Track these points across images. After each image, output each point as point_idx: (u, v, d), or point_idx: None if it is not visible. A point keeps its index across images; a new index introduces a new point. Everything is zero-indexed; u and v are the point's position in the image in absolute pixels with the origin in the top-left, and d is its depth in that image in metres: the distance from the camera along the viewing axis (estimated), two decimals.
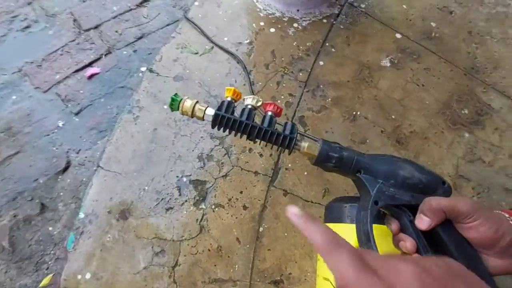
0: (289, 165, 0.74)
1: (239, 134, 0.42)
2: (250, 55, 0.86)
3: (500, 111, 0.84)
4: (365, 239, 0.36)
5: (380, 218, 0.44)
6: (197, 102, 0.43)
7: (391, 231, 0.38)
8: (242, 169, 0.73)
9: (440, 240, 0.36)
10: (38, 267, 0.75)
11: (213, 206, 0.69)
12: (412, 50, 0.90)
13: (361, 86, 0.84)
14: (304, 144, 0.41)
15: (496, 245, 0.34)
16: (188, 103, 0.42)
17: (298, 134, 0.41)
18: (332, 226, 0.50)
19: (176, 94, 0.44)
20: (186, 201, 0.69)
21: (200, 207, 0.69)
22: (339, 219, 0.49)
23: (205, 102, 0.80)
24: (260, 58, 0.86)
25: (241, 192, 0.70)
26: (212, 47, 0.86)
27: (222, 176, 0.72)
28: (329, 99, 0.82)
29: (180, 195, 0.69)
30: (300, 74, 0.85)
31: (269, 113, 0.43)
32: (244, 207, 0.69)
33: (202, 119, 0.43)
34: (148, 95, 0.80)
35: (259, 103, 0.44)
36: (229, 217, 0.68)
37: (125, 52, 0.98)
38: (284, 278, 0.64)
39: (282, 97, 0.81)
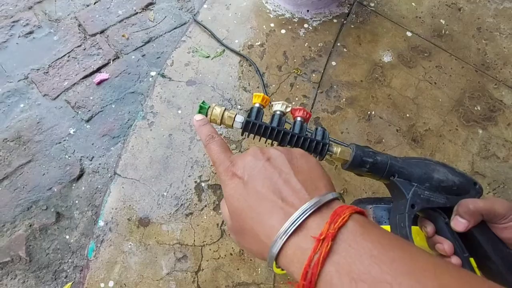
0: None
1: (272, 142, 0.42)
2: (262, 57, 0.86)
3: None
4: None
5: (414, 221, 0.44)
6: (225, 109, 0.43)
7: (427, 233, 0.38)
8: None
9: (476, 241, 0.36)
10: (56, 275, 0.74)
11: None
12: (423, 48, 0.91)
13: (375, 85, 0.84)
14: (337, 150, 0.41)
15: None
16: (217, 111, 0.42)
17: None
18: None
19: (204, 102, 0.43)
20: (205, 206, 0.69)
21: (220, 211, 0.68)
22: None
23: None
24: (272, 60, 0.85)
25: None
26: (224, 50, 0.86)
27: None
28: (343, 100, 0.82)
29: (199, 200, 0.69)
30: (313, 75, 0.84)
31: (299, 118, 0.43)
32: None
33: (231, 126, 0.43)
34: (162, 100, 0.79)
35: (288, 109, 0.44)
36: None
37: (133, 57, 0.97)
38: None
39: (297, 98, 0.81)
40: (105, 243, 0.65)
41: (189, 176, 0.71)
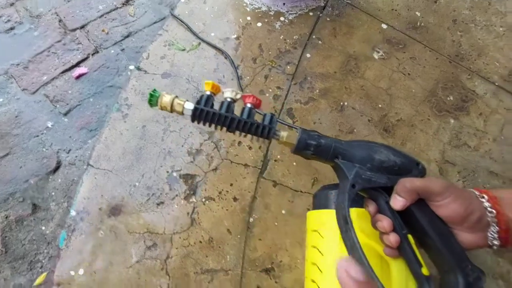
0: (278, 156, 0.74)
1: (221, 128, 0.43)
2: (237, 50, 0.87)
3: (484, 97, 0.85)
4: (343, 222, 0.37)
5: (359, 202, 0.45)
6: (176, 96, 0.44)
7: (369, 213, 0.39)
8: (231, 162, 0.73)
9: (415, 219, 0.37)
10: (32, 266, 0.75)
11: (203, 199, 0.70)
12: (398, 40, 0.91)
13: (348, 77, 0.85)
14: (284, 134, 0.42)
15: (466, 221, 0.35)
16: (166, 98, 0.43)
17: (278, 124, 0.42)
18: (319, 212, 0.51)
19: (154, 90, 0.44)
20: (176, 195, 0.70)
21: (191, 200, 0.69)
22: (325, 206, 0.50)
23: (193, 98, 0.81)
24: (248, 53, 0.86)
25: (231, 185, 0.71)
26: (199, 43, 0.87)
27: (212, 169, 0.72)
28: (317, 91, 0.82)
29: (170, 189, 0.70)
30: (288, 67, 0.85)
31: (248, 105, 0.44)
32: (235, 199, 0.70)
33: (182, 113, 0.43)
34: (136, 93, 0.80)
35: (238, 96, 0.45)
36: (220, 209, 0.69)
37: (112, 51, 0.98)
38: (275, 266, 0.65)
39: (270, 90, 0.82)
40: (76, 232, 0.66)
41: (161, 166, 0.72)
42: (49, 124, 0.87)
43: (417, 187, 0.36)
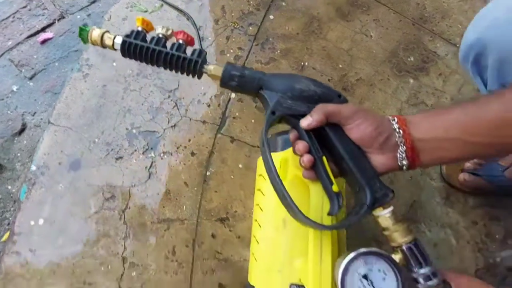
0: (237, 114, 0.76)
1: (151, 62, 0.44)
2: (200, 12, 0.86)
3: (445, 58, 0.86)
4: (261, 144, 0.39)
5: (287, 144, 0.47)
6: (106, 31, 0.44)
7: (290, 140, 0.41)
8: (190, 119, 0.75)
9: (331, 144, 0.39)
10: None
11: (161, 154, 0.71)
12: (362, 2, 0.92)
13: (310, 38, 0.86)
14: (210, 67, 0.43)
15: (376, 141, 0.37)
16: (96, 32, 0.44)
17: (206, 58, 0.43)
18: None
19: (84, 25, 0.45)
20: (135, 150, 0.71)
21: (149, 155, 0.71)
22: (274, 149, 0.51)
23: None
24: (210, 14, 0.86)
25: (189, 140, 0.73)
26: (162, 5, 0.86)
27: (171, 126, 0.74)
28: (278, 51, 0.83)
29: (129, 145, 0.72)
30: (250, 28, 0.85)
31: (180, 41, 0.45)
32: (192, 154, 0.72)
33: (113, 47, 0.44)
34: (98, 54, 0.80)
35: (169, 32, 0.46)
36: (178, 163, 0.71)
37: (78, 17, 0.97)
38: (229, 216, 0.68)
39: (231, 51, 0.83)
40: (37, 186, 0.68)
41: (120, 124, 0.73)
42: (14, 88, 0.88)
43: (328, 110, 0.38)
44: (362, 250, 0.34)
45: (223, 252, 0.65)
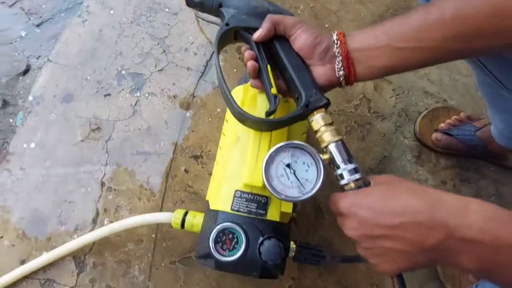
0: (221, 63, 0.79)
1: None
2: None
3: None
4: (214, 49, 0.42)
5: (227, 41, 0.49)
6: None
7: (242, 53, 0.44)
8: (176, 65, 0.79)
9: (278, 55, 0.42)
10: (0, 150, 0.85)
11: (146, 95, 0.76)
12: None
13: None
14: None
15: (316, 51, 0.40)
16: None
17: None
18: (237, 88, 0.57)
19: None
20: (123, 89, 0.76)
21: (135, 95, 0.76)
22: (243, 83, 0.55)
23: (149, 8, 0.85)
24: None
25: (173, 84, 0.77)
26: None
27: (158, 70, 0.78)
28: None
29: (118, 84, 0.77)
30: None
31: None
32: (175, 96, 0.76)
33: None
34: (97, 2, 0.86)
35: None
36: (160, 103, 0.75)
37: None
38: (203, 154, 0.72)
39: None
40: (32, 114, 0.74)
41: (112, 65, 0.79)
42: (23, 34, 0.95)
43: (274, 18, 0.41)
44: (289, 142, 0.37)
45: (194, 186, 0.70)
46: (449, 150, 0.72)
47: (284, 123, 0.40)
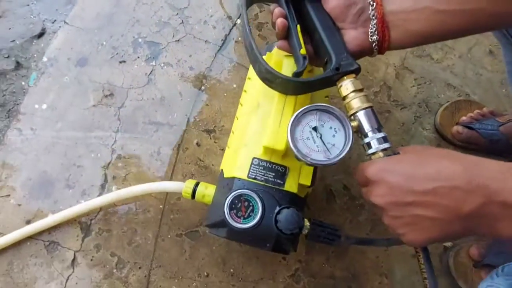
0: (239, 38, 0.77)
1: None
2: None
3: None
4: (241, 9, 0.40)
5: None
6: None
7: (271, 11, 0.42)
8: (194, 37, 0.77)
9: (307, 15, 0.40)
10: (10, 114, 0.83)
11: (162, 64, 0.74)
12: None
13: None
14: None
15: (349, 12, 0.38)
16: None
17: None
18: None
19: None
20: (138, 57, 0.75)
21: (151, 64, 0.74)
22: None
23: None
24: None
25: (190, 56, 0.75)
26: None
27: (175, 41, 0.76)
28: None
29: (134, 52, 0.75)
30: None
31: None
32: (191, 68, 0.74)
33: None
34: None
35: None
36: (176, 74, 0.74)
37: None
38: (216, 129, 0.70)
39: None
40: (45, 75, 0.73)
41: (128, 32, 0.77)
42: None
43: None
44: (317, 104, 0.36)
45: (205, 160, 0.68)
46: (469, 144, 0.70)
47: (312, 85, 0.38)
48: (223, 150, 0.69)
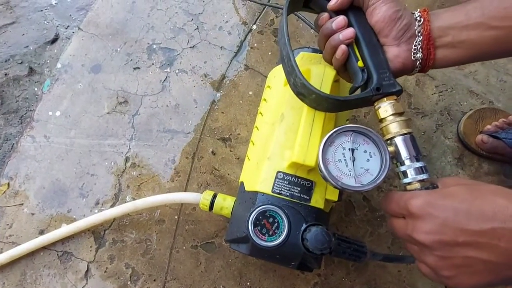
0: (255, 44, 0.76)
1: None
2: None
3: None
4: (283, 13, 0.38)
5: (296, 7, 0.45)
6: None
7: (319, 23, 0.40)
8: (209, 43, 0.76)
9: (351, 27, 0.38)
10: (22, 120, 0.83)
11: (177, 71, 0.73)
12: None
13: None
14: None
15: (395, 27, 0.36)
16: None
17: None
18: (275, 69, 0.53)
19: None
20: (153, 64, 0.73)
21: (165, 70, 0.73)
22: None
23: None
24: None
25: (205, 62, 0.74)
26: None
27: (190, 47, 0.75)
28: None
29: (148, 58, 0.74)
30: None
31: None
32: (205, 75, 0.73)
33: None
34: None
35: None
36: (190, 81, 0.72)
37: None
38: (232, 137, 0.69)
39: None
40: (59, 81, 0.72)
41: (143, 38, 0.76)
42: (53, 2, 0.93)
43: None
44: (353, 126, 0.34)
45: (221, 169, 0.67)
46: (494, 154, 0.68)
47: (348, 104, 0.36)
48: (239, 159, 0.67)
